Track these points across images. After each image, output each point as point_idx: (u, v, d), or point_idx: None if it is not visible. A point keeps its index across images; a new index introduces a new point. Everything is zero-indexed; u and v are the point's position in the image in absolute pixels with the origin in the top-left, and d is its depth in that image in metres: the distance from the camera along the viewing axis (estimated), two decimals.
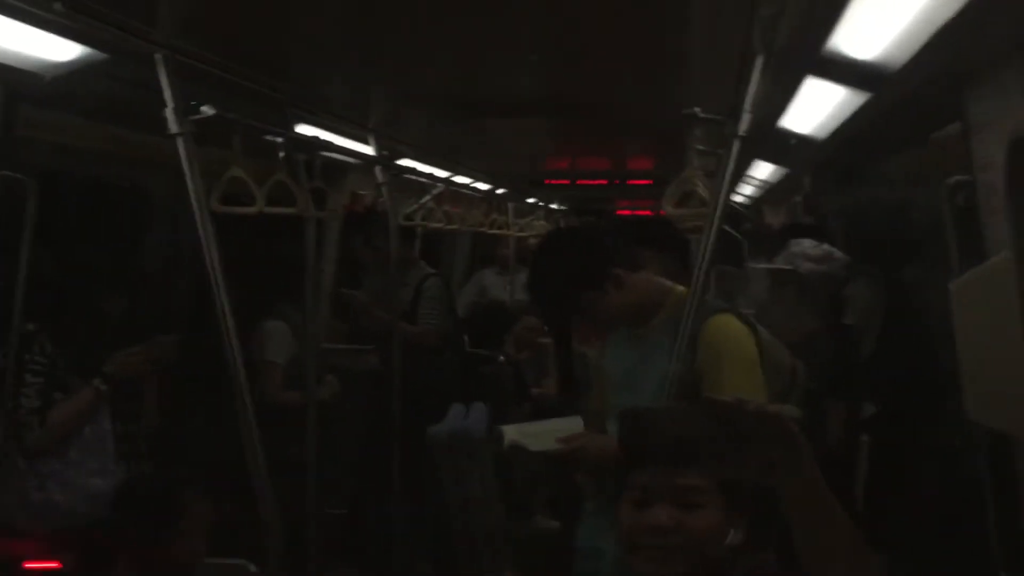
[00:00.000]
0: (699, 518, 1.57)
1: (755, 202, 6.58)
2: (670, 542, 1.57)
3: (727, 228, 3.49)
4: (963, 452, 2.69)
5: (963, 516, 2.66)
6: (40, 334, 2.70)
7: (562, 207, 8.92)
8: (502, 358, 5.43)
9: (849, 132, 3.21)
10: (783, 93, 2.97)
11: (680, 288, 2.49)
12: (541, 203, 8.04)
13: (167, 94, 2.28)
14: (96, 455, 2.76)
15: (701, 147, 2.63)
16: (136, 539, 2.35)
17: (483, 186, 6.30)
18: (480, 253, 7.94)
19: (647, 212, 8.47)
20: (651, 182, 5.44)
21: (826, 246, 3.27)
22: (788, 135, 3.54)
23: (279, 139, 2.92)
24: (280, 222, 3.04)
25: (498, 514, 2.39)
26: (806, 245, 3.25)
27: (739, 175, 4.58)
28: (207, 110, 2.36)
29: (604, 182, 5.57)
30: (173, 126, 2.28)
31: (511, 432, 2.49)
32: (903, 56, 2.17)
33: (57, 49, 2.33)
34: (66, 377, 2.72)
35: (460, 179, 5.70)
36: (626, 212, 8.86)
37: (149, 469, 2.84)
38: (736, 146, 2.18)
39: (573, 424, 2.53)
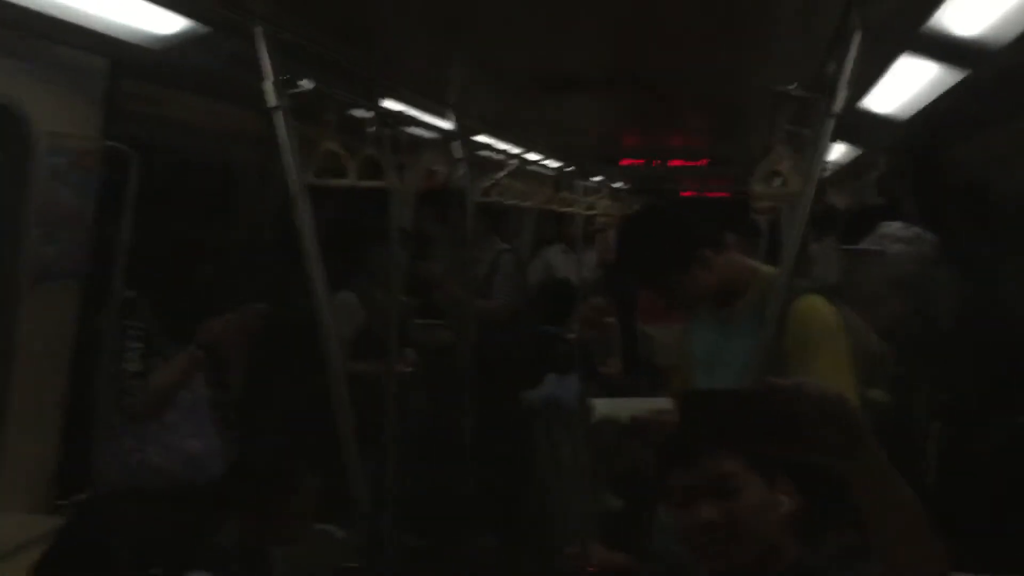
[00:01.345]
0: (742, 501, 1.60)
1: (821, 183, 6.48)
2: (723, 534, 1.61)
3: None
4: None
5: None
6: (139, 301, 2.78)
7: (626, 187, 8.88)
8: (571, 336, 5.47)
9: (936, 112, 3.16)
10: (871, 71, 2.93)
11: (766, 268, 2.48)
12: (607, 182, 8.02)
13: (265, 67, 2.33)
14: (192, 419, 2.84)
15: (789, 126, 2.61)
16: (251, 508, 2.42)
17: (554, 164, 6.31)
18: (543, 231, 7.95)
19: (714, 194, 8.41)
20: (710, 162, 5.40)
21: (916, 228, 3.22)
22: (867, 115, 3.49)
23: (370, 113, 2.96)
24: (358, 196, 3.10)
25: (587, 482, 2.43)
26: (896, 227, 3.20)
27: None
28: (306, 84, 2.41)
29: (679, 163, 5.53)
30: (272, 99, 2.33)
31: (603, 405, 2.53)
32: (1005, 34, 2.13)
33: (159, 21, 2.39)
34: (164, 343, 2.81)
35: (533, 156, 5.72)
36: (690, 194, 8.80)
37: (242, 435, 2.92)
38: (829, 125, 2.17)
39: (662, 403, 2.55)
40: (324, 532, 2.80)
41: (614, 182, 8.29)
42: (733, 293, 2.46)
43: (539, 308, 5.67)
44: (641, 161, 5.67)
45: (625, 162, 5.78)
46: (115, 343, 2.72)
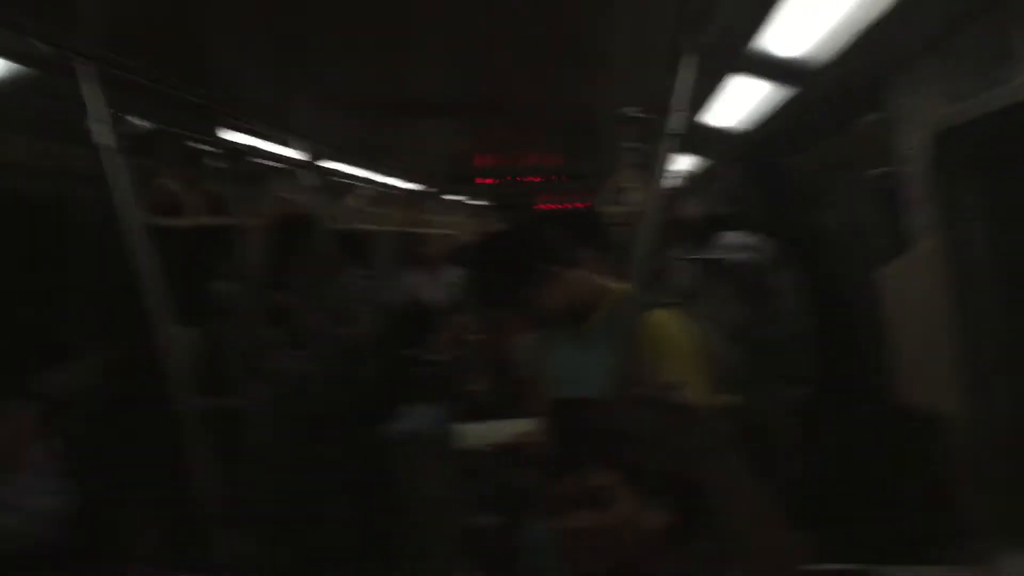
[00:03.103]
0: (611, 514, 1.64)
1: (674, 193, 6.70)
2: (590, 542, 1.64)
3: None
4: (889, 431, 2.79)
5: (893, 493, 2.76)
6: None
7: (484, 203, 8.94)
8: (433, 358, 5.43)
9: (772, 124, 3.30)
10: (707, 88, 3.03)
11: (616, 285, 2.53)
12: (465, 200, 8.05)
13: (89, 104, 2.23)
14: (42, 476, 2.67)
15: (631, 144, 2.68)
16: (90, 564, 2.29)
17: (406, 185, 6.29)
18: (405, 252, 7.90)
19: (570, 206, 8.55)
20: (567, 179, 5.51)
21: (756, 237, 3.35)
22: (709, 129, 3.61)
23: (206, 147, 2.86)
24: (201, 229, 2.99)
25: (455, 508, 2.42)
26: (736, 236, 3.33)
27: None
28: (136, 121, 2.31)
29: (536, 179, 5.61)
30: (100, 137, 2.22)
31: (467, 432, 2.51)
32: (827, 53, 2.24)
33: None
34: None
35: (386, 180, 5.69)
36: (546, 207, 8.94)
37: (96, 487, 2.76)
38: (668, 144, 2.23)
39: (526, 425, 2.56)
40: None
41: (472, 199, 8.34)
42: (585, 309, 2.50)
43: (397, 333, 5.61)
44: (494, 180, 5.72)
45: (480, 181, 5.82)
46: None
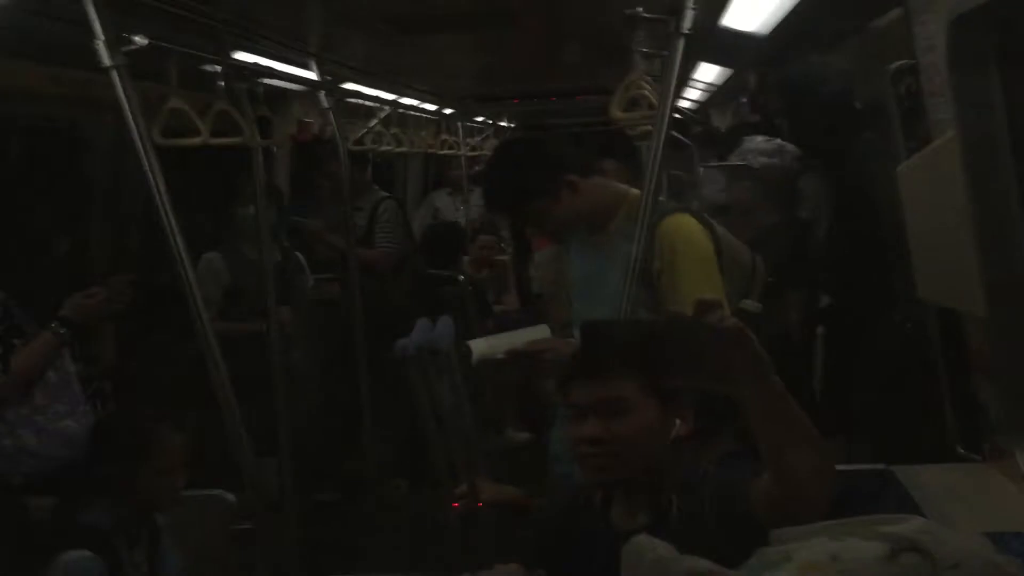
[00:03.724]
0: (626, 424, 1.65)
1: (702, 106, 6.58)
2: (604, 450, 1.66)
3: (676, 134, 3.50)
4: (915, 334, 2.77)
5: (918, 395, 2.75)
6: None
7: (511, 124, 8.84)
8: (461, 277, 5.46)
9: (791, 26, 3.21)
10: None
11: (635, 191, 2.50)
12: (490, 121, 7.95)
13: (95, 26, 2.21)
14: (63, 398, 2.73)
15: (645, 49, 2.61)
16: (113, 478, 2.36)
17: (431, 107, 6.22)
18: (433, 176, 7.88)
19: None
20: (597, 94, 5.40)
21: (778, 140, 3.29)
22: (729, 33, 3.52)
23: (217, 67, 2.84)
24: (225, 153, 2.99)
25: (470, 423, 2.43)
26: (758, 140, 3.28)
27: (685, 77, 4.54)
28: (140, 40, 2.29)
29: (553, 98, 5.51)
30: (105, 59, 2.21)
31: (479, 345, 2.51)
32: None
33: None
34: (22, 323, 2.68)
35: (407, 101, 5.62)
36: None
37: (117, 408, 2.82)
38: (680, 44, 2.18)
39: (539, 332, 2.56)
40: (214, 496, 2.75)
41: (499, 121, 8.24)
42: (604, 217, 2.48)
43: (426, 253, 5.64)
44: (518, 100, 5.63)
45: (502, 99, 5.74)
46: None
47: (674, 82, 2.23)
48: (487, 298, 5.98)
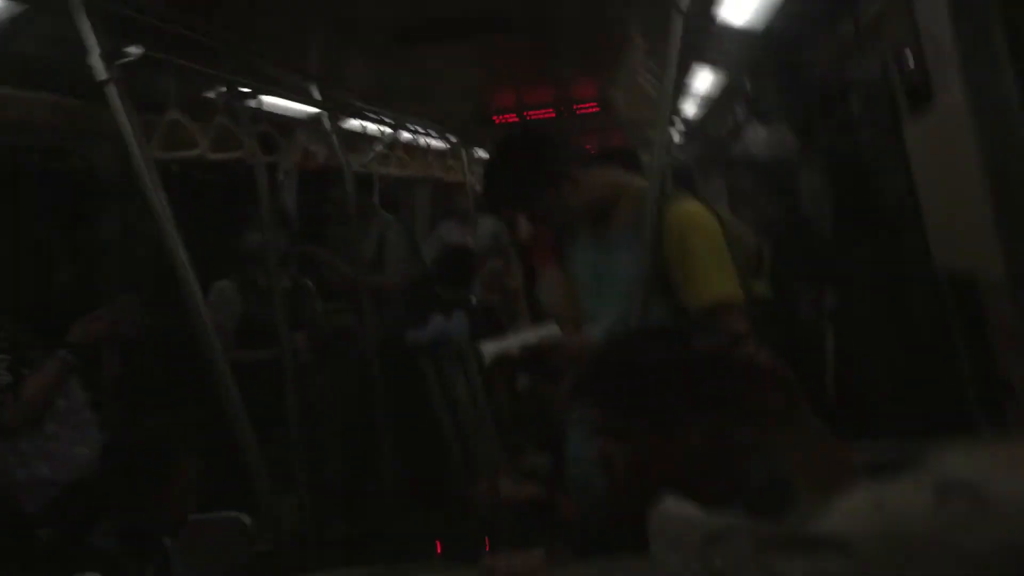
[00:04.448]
0: (640, 449, 1.58)
1: (699, 123, 6.58)
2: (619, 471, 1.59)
3: (674, 156, 3.48)
4: (930, 317, 2.71)
5: (937, 380, 2.68)
6: None
7: None
8: (473, 299, 5.41)
9: (783, 20, 3.19)
10: None
11: (638, 181, 2.47)
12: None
13: (89, 39, 2.21)
14: (73, 425, 2.71)
15: (639, 35, 2.60)
16: (125, 497, 2.32)
17: (435, 141, 6.22)
18: (440, 208, 7.88)
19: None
20: (598, 108, 5.38)
21: (778, 134, 3.27)
22: (724, 30, 3.51)
23: (218, 87, 2.84)
24: (232, 179, 2.98)
25: (487, 417, 2.39)
26: (757, 132, 3.26)
27: (681, 82, 4.49)
28: (135, 50, 2.28)
29: (552, 114, 5.49)
30: (100, 72, 2.21)
31: (490, 347, 2.47)
32: None
33: None
34: (30, 352, 2.66)
35: (411, 129, 5.63)
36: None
37: (129, 430, 2.79)
38: (679, 23, 2.15)
39: (548, 329, 2.52)
40: (230, 519, 2.70)
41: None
42: (607, 209, 2.44)
43: (437, 278, 5.60)
44: (515, 117, 5.62)
45: (500, 120, 5.72)
46: None
47: (674, 61, 2.20)
48: (500, 322, 5.94)
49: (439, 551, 2.13)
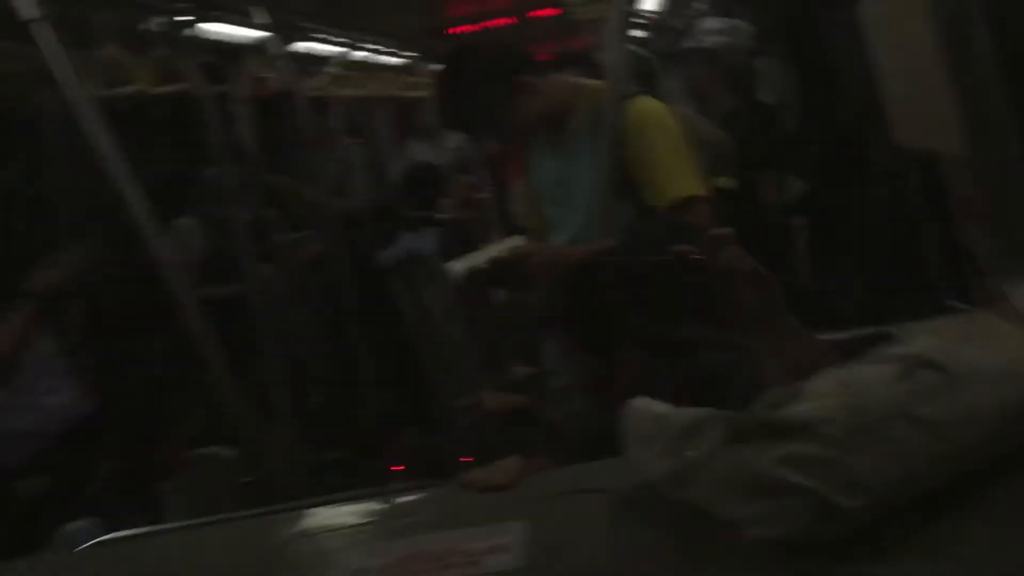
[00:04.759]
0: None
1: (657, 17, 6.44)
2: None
3: (635, 48, 3.41)
4: (895, 198, 2.71)
5: (905, 261, 2.70)
6: None
7: None
8: (443, 217, 5.37)
9: None
10: None
11: (593, 83, 2.42)
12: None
13: None
14: (45, 375, 2.68)
15: None
16: (123, 449, 2.33)
17: (392, 59, 6.08)
18: (406, 127, 7.75)
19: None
20: (559, 11, 5.25)
21: (733, 20, 3.21)
22: None
23: (156, 17, 2.74)
24: (185, 114, 2.90)
25: (462, 333, 2.38)
26: (710, 21, 3.21)
27: None
28: None
29: (511, 20, 5.35)
30: (28, 10, 2.11)
31: (458, 265, 2.45)
32: None
33: None
34: None
35: (363, 47, 5.50)
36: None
37: (99, 378, 2.78)
38: None
39: (514, 241, 2.50)
40: (211, 454, 2.71)
41: None
42: (564, 115, 2.39)
43: (406, 197, 5.54)
44: (472, 27, 5.49)
45: (453, 31, 5.59)
46: None
47: None
48: (473, 239, 5.90)
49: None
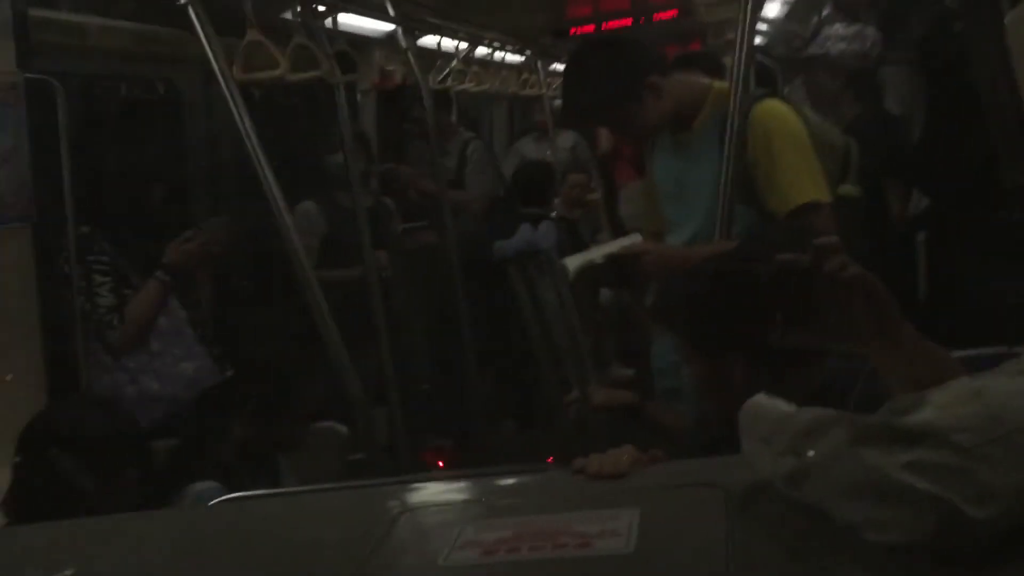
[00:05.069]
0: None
1: (782, 21, 6.33)
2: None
3: (760, 57, 3.37)
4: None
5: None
6: (96, 235, 2.73)
7: None
8: (554, 215, 5.40)
9: None
10: None
11: (719, 83, 2.41)
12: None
13: None
14: (178, 342, 2.82)
15: None
16: (252, 418, 2.43)
17: (510, 56, 6.13)
18: (519, 122, 7.81)
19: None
20: (675, 12, 5.22)
21: (857, 26, 3.14)
22: None
23: (294, 7, 2.85)
24: (313, 102, 2.99)
25: (576, 326, 2.40)
26: (837, 27, 3.13)
27: None
28: None
29: (628, 22, 5.34)
30: None
31: (574, 260, 2.47)
32: None
33: None
34: (131, 273, 2.78)
35: (486, 41, 5.56)
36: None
37: (227, 349, 2.91)
38: None
39: (633, 239, 2.51)
40: (328, 429, 2.80)
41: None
42: (689, 114, 2.39)
43: (517, 194, 5.59)
44: (591, 27, 5.49)
45: (575, 31, 5.60)
46: (82, 281, 2.68)
47: None
48: (582, 238, 5.91)
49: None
